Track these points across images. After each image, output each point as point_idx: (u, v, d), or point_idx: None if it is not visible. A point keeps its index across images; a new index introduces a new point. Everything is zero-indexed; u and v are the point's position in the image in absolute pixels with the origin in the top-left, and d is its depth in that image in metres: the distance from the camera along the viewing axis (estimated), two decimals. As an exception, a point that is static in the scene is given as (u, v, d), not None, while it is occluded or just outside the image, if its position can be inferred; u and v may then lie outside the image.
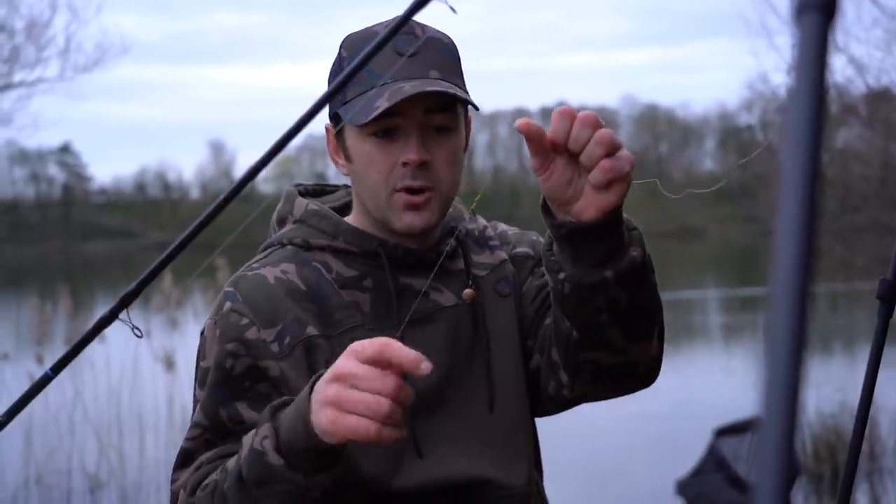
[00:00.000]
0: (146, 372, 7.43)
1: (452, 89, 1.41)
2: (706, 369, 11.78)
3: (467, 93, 1.47)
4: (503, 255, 1.60)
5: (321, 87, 1.45)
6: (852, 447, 1.76)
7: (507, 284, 1.57)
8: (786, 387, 0.43)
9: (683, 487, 6.72)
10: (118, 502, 6.78)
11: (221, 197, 1.74)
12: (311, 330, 1.43)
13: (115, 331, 1.60)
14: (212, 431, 1.43)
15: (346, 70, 1.38)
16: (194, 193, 61.80)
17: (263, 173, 1.59)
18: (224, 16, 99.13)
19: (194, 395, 1.48)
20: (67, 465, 7.00)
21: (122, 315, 1.71)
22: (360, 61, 1.38)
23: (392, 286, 1.47)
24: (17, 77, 14.16)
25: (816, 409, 7.09)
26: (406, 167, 1.42)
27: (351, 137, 1.46)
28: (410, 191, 1.43)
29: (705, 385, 10.51)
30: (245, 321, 1.43)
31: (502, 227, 1.67)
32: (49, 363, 1.45)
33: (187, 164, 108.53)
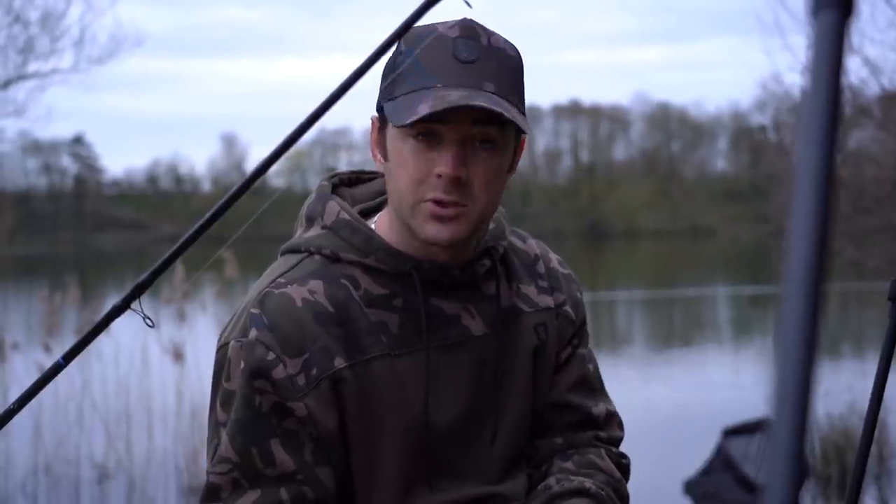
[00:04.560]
0: (155, 363, 7.45)
1: (500, 106, 1.32)
2: (715, 368, 11.77)
3: (524, 112, 1.40)
4: (550, 302, 1.56)
5: (330, 82, 1.43)
6: (861, 449, 1.75)
7: (545, 332, 1.54)
8: (797, 387, 0.42)
9: (691, 487, 6.72)
10: (126, 492, 6.80)
11: (234, 189, 1.74)
12: (339, 362, 1.39)
13: (123, 322, 1.61)
14: (240, 470, 1.39)
15: (358, 66, 1.38)
16: (206, 186, 61.91)
17: (275, 167, 1.58)
18: (229, 9, 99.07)
19: (213, 414, 1.43)
20: (76, 455, 7.02)
21: (134, 305, 1.71)
22: (366, 62, 1.38)
23: (423, 310, 1.42)
24: (32, 68, 14.22)
25: (826, 410, 7.08)
26: (439, 179, 1.35)
27: (392, 135, 1.39)
28: (440, 203, 1.36)
29: (714, 384, 10.49)
30: (272, 356, 1.37)
31: (553, 260, 1.61)
32: (57, 354, 1.45)
33: (199, 157, 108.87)
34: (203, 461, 6.91)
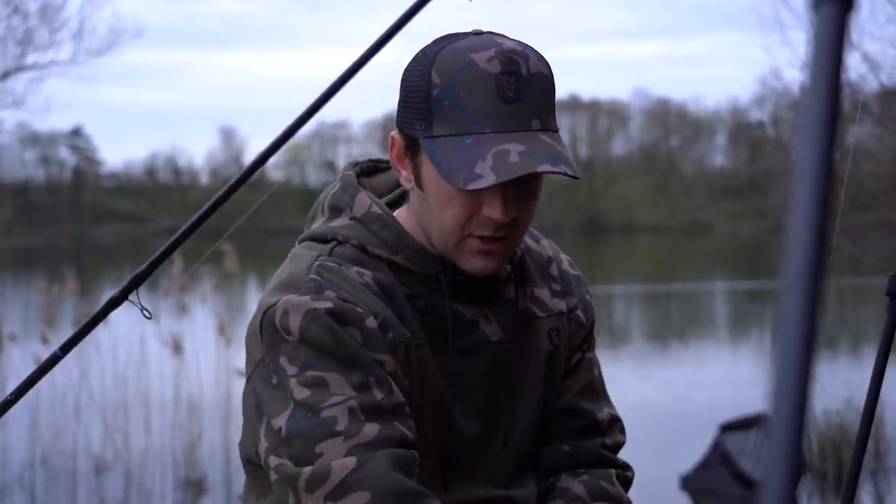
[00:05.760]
0: (153, 355, 7.45)
1: (556, 159, 1.30)
2: (712, 363, 11.78)
3: (557, 126, 1.38)
4: (563, 306, 1.55)
5: (328, 75, 1.42)
6: (858, 444, 1.75)
7: (558, 337, 1.53)
8: (796, 382, 0.42)
9: (688, 481, 6.73)
10: (123, 484, 6.80)
11: (232, 181, 1.73)
12: (406, 332, 1.37)
13: (121, 314, 1.61)
14: (358, 400, 1.30)
15: (357, 59, 1.38)
16: (204, 179, 61.70)
17: (273, 160, 1.58)
18: (225, 1, 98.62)
19: (275, 375, 1.34)
20: (73, 446, 7.02)
21: (132, 296, 1.71)
22: (364, 55, 1.38)
23: (450, 314, 1.41)
24: (30, 59, 14.21)
25: (822, 405, 7.08)
26: (488, 219, 1.34)
27: (427, 167, 1.35)
28: (487, 238, 1.36)
29: (711, 379, 10.50)
30: (360, 309, 1.33)
31: (565, 262, 1.60)
32: (54, 345, 1.44)
33: (198, 150, 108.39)
34: (201, 453, 6.92)
